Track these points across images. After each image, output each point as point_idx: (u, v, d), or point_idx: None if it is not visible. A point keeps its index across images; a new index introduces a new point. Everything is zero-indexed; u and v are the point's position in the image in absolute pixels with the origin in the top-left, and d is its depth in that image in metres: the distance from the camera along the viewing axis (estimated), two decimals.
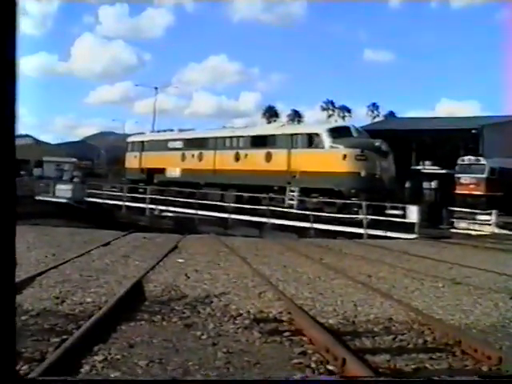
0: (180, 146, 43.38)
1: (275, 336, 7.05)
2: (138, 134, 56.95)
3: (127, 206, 43.42)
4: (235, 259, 15.06)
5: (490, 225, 30.20)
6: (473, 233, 29.41)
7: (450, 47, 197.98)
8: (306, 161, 32.38)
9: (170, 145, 44.50)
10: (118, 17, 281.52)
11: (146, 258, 14.52)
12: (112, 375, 5.25)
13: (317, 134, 33.01)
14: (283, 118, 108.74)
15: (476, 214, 32.39)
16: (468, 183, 35.31)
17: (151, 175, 45.40)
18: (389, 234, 26.81)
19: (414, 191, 38.12)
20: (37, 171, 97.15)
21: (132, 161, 48.62)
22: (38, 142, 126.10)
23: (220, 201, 37.35)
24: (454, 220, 32.79)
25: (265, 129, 45.13)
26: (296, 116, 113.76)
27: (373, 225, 27.97)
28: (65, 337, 6.37)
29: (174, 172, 43.28)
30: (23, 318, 7.42)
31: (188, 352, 6.17)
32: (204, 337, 6.90)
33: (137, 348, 6.24)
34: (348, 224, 29.15)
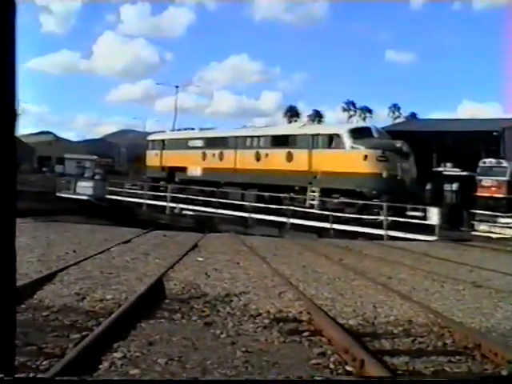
0: (201, 145, 43.39)
1: (294, 336, 7.05)
2: (158, 132, 57.03)
3: (148, 204, 43.57)
4: (255, 258, 15.07)
5: (511, 228, 29.94)
6: (493, 236, 29.16)
7: (471, 48, 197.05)
8: (327, 161, 32.25)
9: (191, 143, 44.52)
10: (140, 15, 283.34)
11: (166, 256, 14.58)
12: (131, 372, 5.28)
13: (338, 135, 32.86)
14: (304, 118, 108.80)
15: (497, 216, 32.12)
16: (489, 186, 34.99)
17: (172, 173, 45.46)
18: (409, 235, 26.67)
19: (435, 193, 37.84)
20: (58, 168, 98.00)
21: (153, 159, 48.71)
22: (59, 139, 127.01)
23: (240, 200, 37.35)
24: (475, 222, 32.51)
25: (286, 128, 44.99)
26: (317, 116, 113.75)
27: (393, 226, 27.84)
28: (85, 333, 6.42)
29: (194, 171, 43.32)
30: (44, 313, 7.49)
31: (207, 350, 6.18)
32: (223, 336, 6.92)
33: (156, 346, 6.26)
34: (368, 225, 29.03)
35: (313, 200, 33.11)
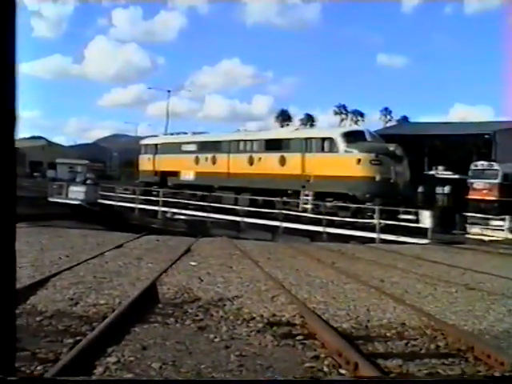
0: (194, 149, 43.33)
1: (288, 340, 7.06)
2: (151, 136, 56.90)
3: (140, 209, 43.48)
4: (248, 263, 15.07)
5: (503, 230, 30.02)
6: (486, 238, 29.25)
7: (463, 52, 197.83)
8: (320, 165, 32.27)
9: (184, 148, 44.45)
10: (132, 20, 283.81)
11: (159, 260, 14.57)
12: (125, 377, 5.28)
13: (331, 138, 32.88)
14: (296, 122, 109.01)
15: (489, 219, 32.24)
16: (481, 188, 35.11)
17: (165, 178, 45.38)
18: (401, 238, 26.70)
19: (427, 196, 37.93)
20: (50, 173, 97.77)
21: (145, 163, 48.63)
22: (50, 143, 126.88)
23: (234, 204, 37.32)
24: (467, 225, 32.64)
25: (279, 133, 44.96)
26: (309, 120, 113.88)
27: (386, 229, 27.89)
28: (78, 338, 6.42)
29: (187, 175, 43.26)
30: (38, 319, 7.48)
31: (201, 355, 6.19)
32: (217, 340, 6.93)
33: (150, 350, 6.27)
34: (361, 228, 29.07)
35: (306, 204, 33.12)
